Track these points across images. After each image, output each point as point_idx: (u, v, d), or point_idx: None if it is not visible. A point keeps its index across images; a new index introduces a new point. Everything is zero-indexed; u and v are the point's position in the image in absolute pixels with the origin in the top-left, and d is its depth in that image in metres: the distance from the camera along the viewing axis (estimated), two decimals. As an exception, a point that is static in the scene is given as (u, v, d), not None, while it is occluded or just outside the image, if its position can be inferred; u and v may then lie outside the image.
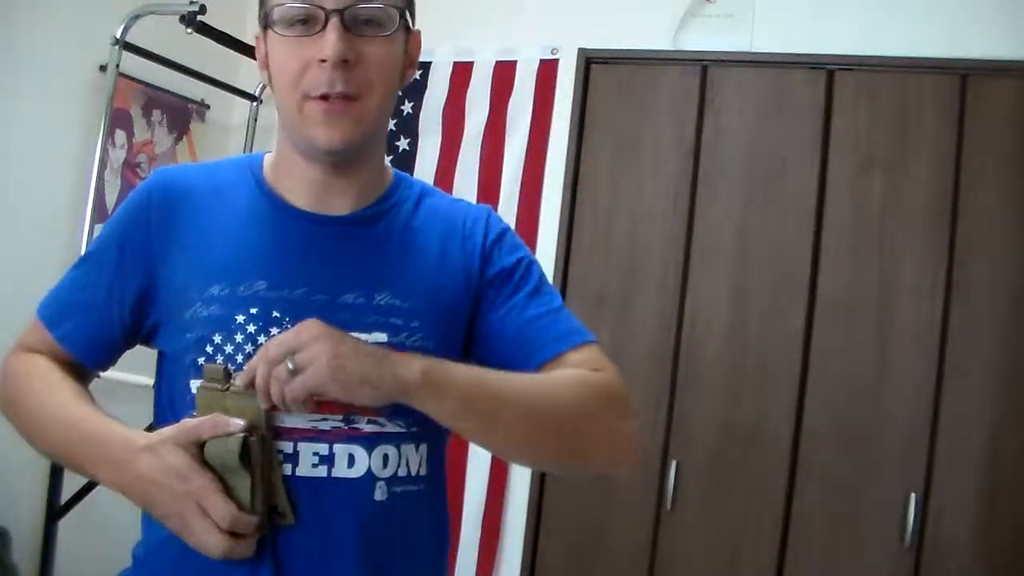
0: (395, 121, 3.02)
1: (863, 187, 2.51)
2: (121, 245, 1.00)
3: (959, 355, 2.38)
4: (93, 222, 2.37)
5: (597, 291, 2.74)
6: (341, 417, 0.93)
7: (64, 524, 2.32)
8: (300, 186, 1.00)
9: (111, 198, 2.58)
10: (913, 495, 2.37)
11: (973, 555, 2.32)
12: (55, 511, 2.30)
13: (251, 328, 0.94)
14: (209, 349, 0.93)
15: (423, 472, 0.99)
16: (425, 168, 2.96)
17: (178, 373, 0.96)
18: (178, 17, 2.39)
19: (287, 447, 0.92)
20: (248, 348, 0.93)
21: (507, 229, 1.08)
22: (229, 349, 0.93)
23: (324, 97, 0.93)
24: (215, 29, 2.51)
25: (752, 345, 2.57)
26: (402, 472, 0.96)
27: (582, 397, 0.96)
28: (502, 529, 2.80)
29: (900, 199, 2.48)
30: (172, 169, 1.07)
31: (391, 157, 3.00)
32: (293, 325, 0.92)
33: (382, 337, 0.95)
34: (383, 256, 1.00)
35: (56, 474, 2.28)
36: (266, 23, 0.96)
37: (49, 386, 0.99)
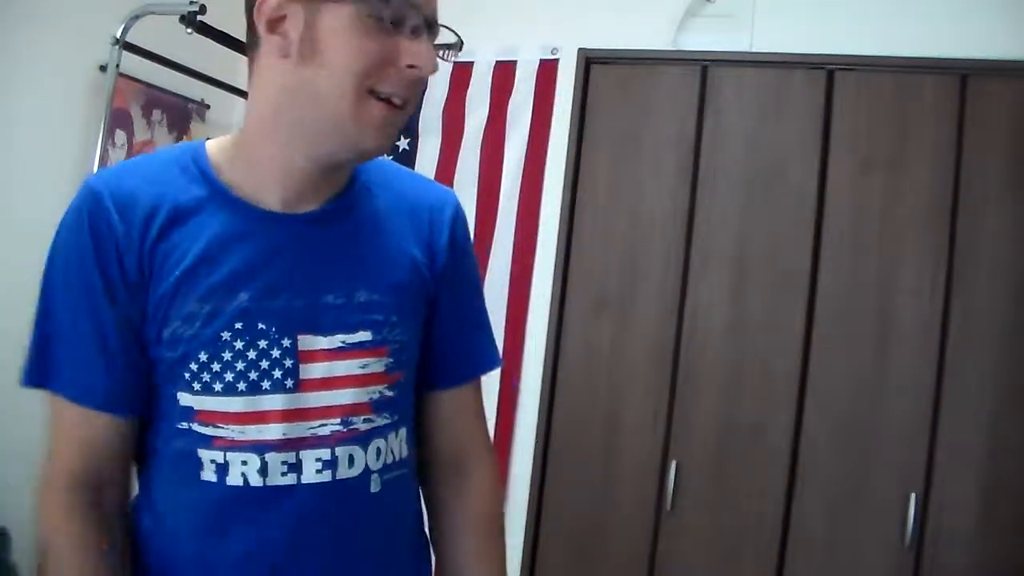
0: (395, 121, 3.01)
1: (863, 187, 2.51)
2: (93, 277, 0.89)
3: (959, 355, 2.38)
4: (93, 222, 2.36)
5: (597, 291, 2.74)
6: (339, 420, 0.93)
7: (64, 524, 2.31)
8: (274, 184, 0.93)
9: (111, 198, 2.58)
10: (913, 495, 2.37)
11: (973, 555, 2.32)
12: (55, 511, 2.30)
13: (239, 344, 0.90)
14: (194, 367, 0.89)
15: (404, 455, 1.02)
16: (425, 168, 2.95)
17: (161, 384, 0.92)
18: (178, 17, 2.38)
19: (290, 458, 0.91)
20: (239, 365, 0.90)
21: (467, 227, 1.10)
22: (216, 367, 0.89)
23: (388, 101, 0.89)
24: (215, 29, 2.51)
25: (752, 345, 2.57)
26: (389, 460, 0.98)
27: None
28: (502, 529, 2.80)
29: (900, 199, 2.48)
30: (108, 181, 0.92)
31: (391, 157, 3.00)
32: (280, 335, 0.91)
33: (367, 336, 0.95)
34: (356, 251, 0.98)
35: (56, 474, 2.28)
36: None
37: None
